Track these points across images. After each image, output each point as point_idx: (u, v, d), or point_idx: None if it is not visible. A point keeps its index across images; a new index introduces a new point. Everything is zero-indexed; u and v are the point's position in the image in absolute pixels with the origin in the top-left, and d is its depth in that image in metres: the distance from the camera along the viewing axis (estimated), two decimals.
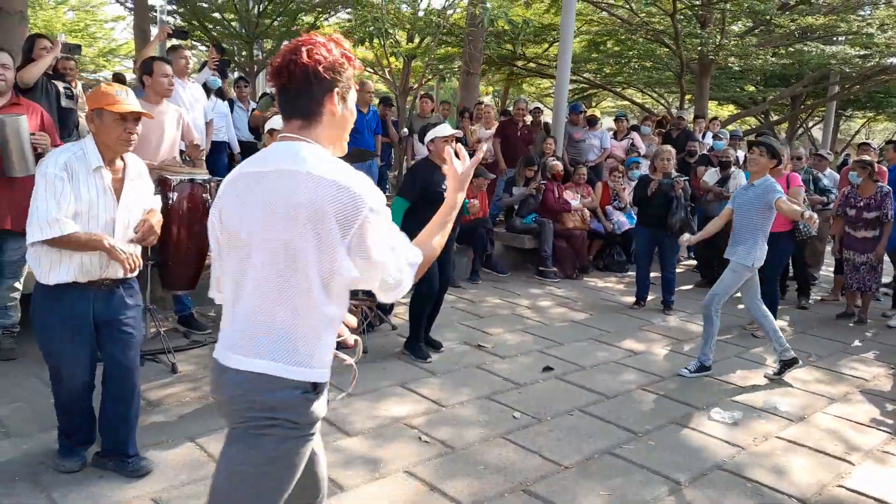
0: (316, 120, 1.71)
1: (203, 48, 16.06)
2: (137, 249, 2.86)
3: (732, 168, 7.70)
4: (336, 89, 1.70)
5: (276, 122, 3.87)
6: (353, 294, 5.22)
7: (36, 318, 2.81)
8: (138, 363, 2.99)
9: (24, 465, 2.97)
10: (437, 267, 4.68)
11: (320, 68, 1.66)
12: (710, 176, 7.86)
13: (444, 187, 4.61)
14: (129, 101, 2.74)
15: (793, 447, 3.75)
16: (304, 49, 1.66)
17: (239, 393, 1.65)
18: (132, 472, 2.94)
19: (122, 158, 2.83)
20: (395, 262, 1.67)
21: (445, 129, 4.61)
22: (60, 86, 4.78)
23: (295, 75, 1.66)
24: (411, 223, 4.54)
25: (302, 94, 1.69)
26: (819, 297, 7.61)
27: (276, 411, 1.62)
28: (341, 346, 1.83)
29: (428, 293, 4.72)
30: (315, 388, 1.67)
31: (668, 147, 6.89)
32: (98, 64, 24.27)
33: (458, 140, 4.63)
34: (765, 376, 4.81)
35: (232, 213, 1.70)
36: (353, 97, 1.78)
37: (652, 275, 6.78)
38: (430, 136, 4.63)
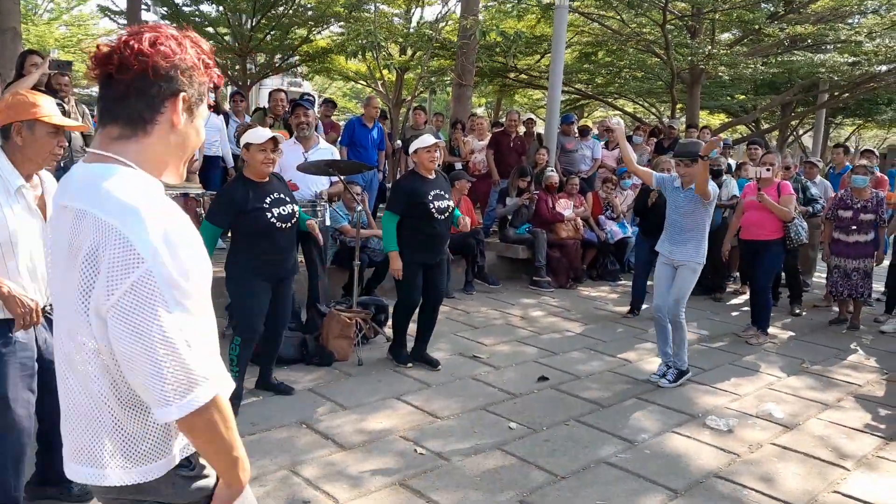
0: (145, 130, 1.29)
1: None
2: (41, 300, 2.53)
3: (724, 176, 7.75)
4: (183, 94, 1.31)
5: (250, 136, 3.79)
6: (348, 306, 5.19)
7: None
8: None
9: None
10: (420, 282, 4.69)
11: (167, 63, 1.27)
12: None
13: (429, 198, 4.66)
14: (58, 112, 2.53)
15: (787, 454, 3.76)
16: (147, 35, 1.28)
17: None
18: (78, 497, 2.81)
19: (37, 173, 2.55)
20: (170, 363, 1.19)
21: (427, 140, 4.59)
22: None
23: (128, 64, 1.25)
24: (405, 235, 4.58)
25: (133, 91, 1.27)
26: (812, 304, 7.65)
27: None
28: None
29: (406, 305, 4.74)
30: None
31: (667, 157, 6.92)
32: (91, 78, 24.28)
33: (440, 147, 4.67)
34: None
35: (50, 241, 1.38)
36: (203, 115, 1.39)
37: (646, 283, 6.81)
38: (413, 147, 4.65)
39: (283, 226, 3.81)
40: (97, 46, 1.30)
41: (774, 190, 5.98)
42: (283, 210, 3.80)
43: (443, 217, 4.62)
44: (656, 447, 3.75)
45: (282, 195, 3.86)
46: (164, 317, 1.18)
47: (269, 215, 3.75)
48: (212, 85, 1.38)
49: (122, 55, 1.26)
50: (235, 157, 7.33)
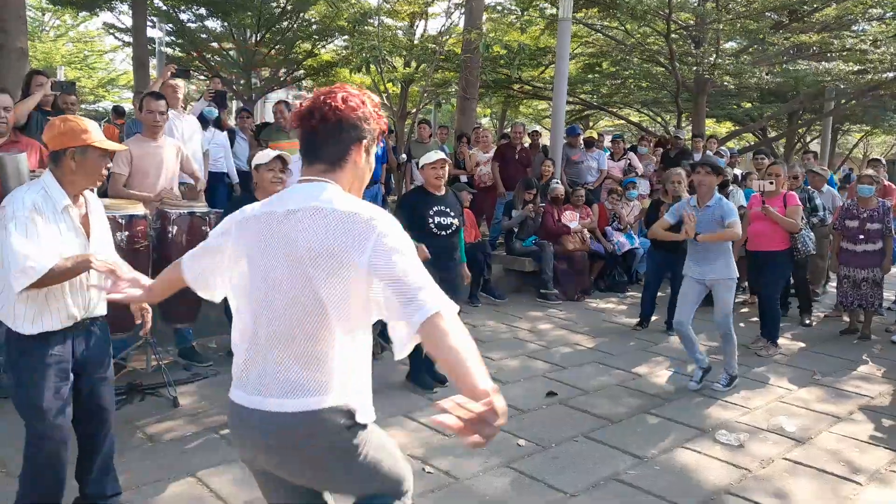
0: (340, 166, 1.76)
1: (202, 78, 16.21)
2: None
3: (731, 187, 7.72)
4: (364, 140, 1.77)
5: (259, 157, 3.86)
6: None
7: (20, 373, 2.58)
8: (114, 403, 2.92)
9: None
10: None
11: (354, 116, 1.73)
12: None
13: (430, 213, 4.64)
14: (103, 136, 2.66)
15: (799, 469, 3.71)
16: (339, 95, 1.73)
17: (290, 433, 1.69)
18: None
19: (82, 193, 2.70)
20: (412, 279, 1.58)
21: (432, 156, 4.64)
22: None
23: (328, 119, 1.72)
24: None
25: (331, 139, 1.74)
26: (822, 314, 7.59)
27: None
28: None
29: None
30: (352, 416, 1.74)
31: (678, 170, 6.83)
32: (98, 94, 24.51)
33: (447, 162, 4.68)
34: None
35: (255, 244, 1.74)
36: (373, 152, 1.84)
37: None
38: (420, 163, 4.70)
39: None
40: (300, 105, 1.76)
41: (781, 201, 5.95)
42: None
43: (444, 233, 4.60)
44: (667, 463, 3.71)
45: None
46: (409, 256, 1.63)
47: None
48: (382, 130, 1.83)
49: (321, 111, 1.71)
50: (242, 173, 7.37)
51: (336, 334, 1.69)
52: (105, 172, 2.68)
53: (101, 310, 2.79)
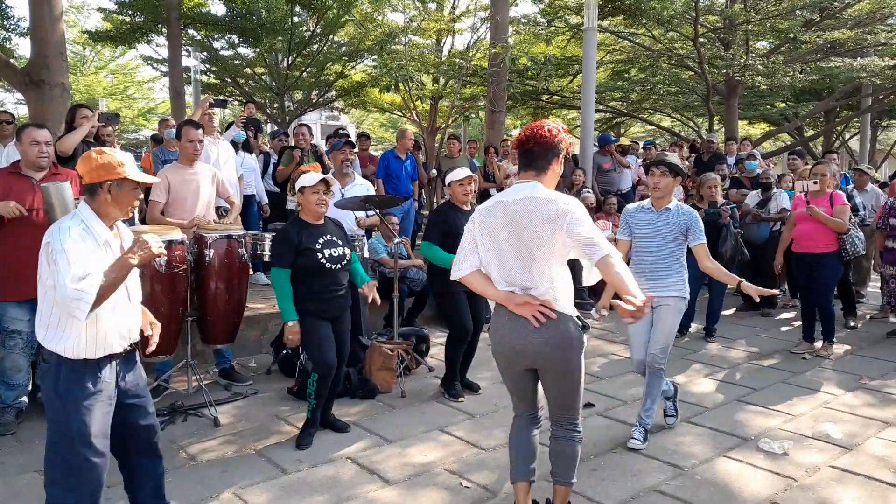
0: (544, 173, 2.77)
1: (237, 102, 16.57)
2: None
3: (774, 189, 7.56)
4: (560, 155, 2.78)
5: (303, 180, 3.99)
6: (389, 338, 5.24)
7: (68, 401, 2.58)
8: (158, 425, 2.96)
9: None
10: (468, 308, 4.70)
11: (555, 140, 2.74)
12: (751, 198, 7.74)
13: (461, 231, 4.65)
14: (137, 168, 2.74)
15: (846, 476, 3.62)
16: (546, 127, 2.75)
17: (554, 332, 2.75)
18: None
19: (115, 223, 2.76)
20: (595, 238, 2.58)
21: (459, 174, 4.68)
22: None
23: (539, 142, 2.73)
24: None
25: (540, 155, 2.75)
26: (868, 316, 7.40)
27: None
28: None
29: (461, 335, 4.73)
30: (584, 326, 2.82)
31: (713, 175, 6.72)
32: (137, 124, 25.24)
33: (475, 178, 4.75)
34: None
35: (497, 223, 2.75)
36: (562, 162, 2.82)
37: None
38: (447, 180, 4.74)
39: (334, 267, 3.98)
40: (517, 135, 2.84)
41: (827, 201, 5.82)
42: (335, 252, 3.99)
43: None
44: (707, 473, 3.65)
45: (334, 237, 4.05)
46: (587, 224, 2.62)
47: (320, 256, 3.92)
48: (567, 148, 2.83)
49: (535, 138, 2.74)
50: (271, 194, 7.50)
51: (545, 268, 2.72)
52: (137, 204, 2.75)
53: (136, 336, 2.86)
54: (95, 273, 2.49)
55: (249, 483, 3.47)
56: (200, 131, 4.90)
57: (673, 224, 3.99)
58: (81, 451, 2.58)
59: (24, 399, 4.26)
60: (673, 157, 4.12)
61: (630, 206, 4.28)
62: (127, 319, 2.72)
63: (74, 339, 2.56)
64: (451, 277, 2.95)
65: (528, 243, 2.68)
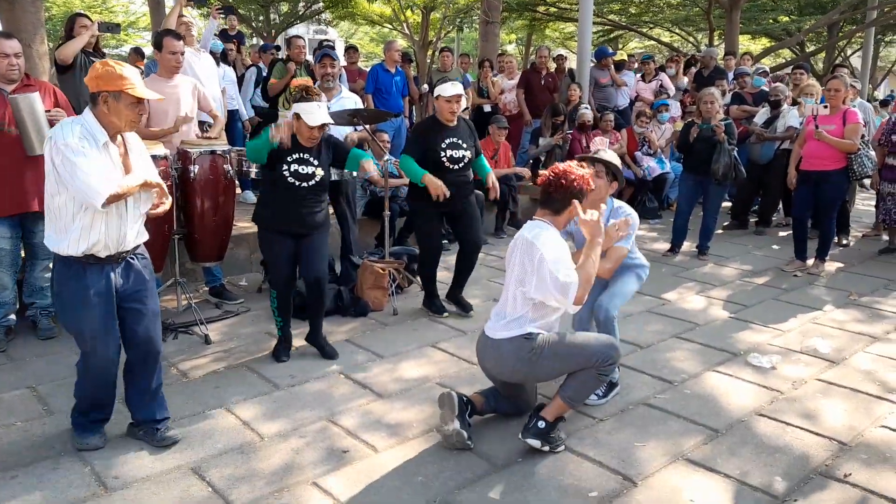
0: (560, 213, 3.06)
1: (221, 16, 15.94)
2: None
3: (784, 106, 7.30)
4: (577, 200, 3.04)
5: (445, 89, 4.32)
6: (381, 256, 5.18)
7: (65, 294, 2.80)
8: (160, 334, 3.03)
9: (68, 442, 3.04)
10: (439, 229, 4.73)
11: (573, 186, 3.00)
12: (760, 116, 7.48)
13: (443, 146, 4.54)
14: (142, 84, 2.75)
15: (832, 389, 3.67)
16: (569, 175, 3.01)
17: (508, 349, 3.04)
18: (160, 441, 3.00)
19: (121, 134, 2.82)
20: (560, 271, 2.87)
21: (448, 89, 4.40)
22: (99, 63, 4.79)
23: (559, 188, 3.01)
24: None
25: (558, 198, 3.03)
26: (859, 234, 7.39)
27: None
28: None
29: (430, 251, 4.75)
30: (530, 336, 3.01)
31: (711, 90, 6.49)
32: (119, 39, 24.35)
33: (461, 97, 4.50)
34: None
35: (510, 255, 3.12)
36: (581, 203, 3.06)
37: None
38: (435, 92, 4.50)
39: (300, 184, 3.84)
40: (543, 175, 3.10)
41: (840, 118, 5.68)
42: (301, 169, 3.81)
43: (457, 167, 4.50)
44: (696, 387, 3.70)
45: (308, 156, 3.85)
46: (563, 263, 2.94)
47: (286, 172, 3.81)
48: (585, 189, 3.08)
49: (556, 183, 3.01)
50: (258, 109, 7.27)
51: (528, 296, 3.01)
52: (138, 120, 2.77)
53: (142, 237, 2.93)
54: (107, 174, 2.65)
55: (241, 398, 3.49)
56: (181, 42, 4.69)
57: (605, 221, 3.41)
58: (80, 345, 2.88)
59: (13, 317, 4.24)
60: (610, 156, 3.59)
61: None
62: (118, 229, 2.77)
63: (75, 233, 2.70)
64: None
65: (516, 270, 3.07)
